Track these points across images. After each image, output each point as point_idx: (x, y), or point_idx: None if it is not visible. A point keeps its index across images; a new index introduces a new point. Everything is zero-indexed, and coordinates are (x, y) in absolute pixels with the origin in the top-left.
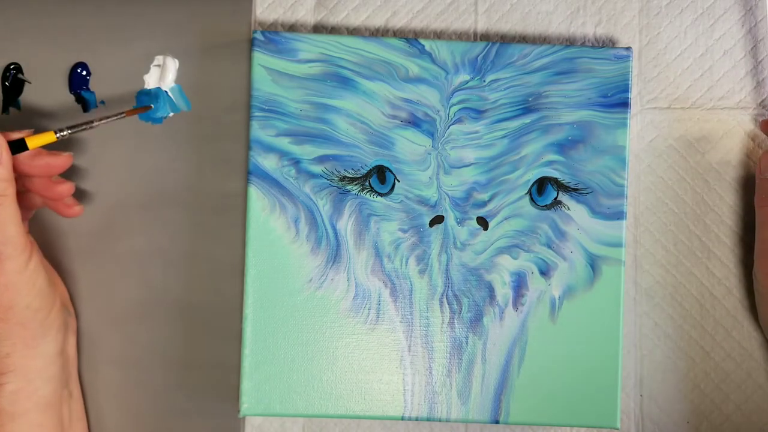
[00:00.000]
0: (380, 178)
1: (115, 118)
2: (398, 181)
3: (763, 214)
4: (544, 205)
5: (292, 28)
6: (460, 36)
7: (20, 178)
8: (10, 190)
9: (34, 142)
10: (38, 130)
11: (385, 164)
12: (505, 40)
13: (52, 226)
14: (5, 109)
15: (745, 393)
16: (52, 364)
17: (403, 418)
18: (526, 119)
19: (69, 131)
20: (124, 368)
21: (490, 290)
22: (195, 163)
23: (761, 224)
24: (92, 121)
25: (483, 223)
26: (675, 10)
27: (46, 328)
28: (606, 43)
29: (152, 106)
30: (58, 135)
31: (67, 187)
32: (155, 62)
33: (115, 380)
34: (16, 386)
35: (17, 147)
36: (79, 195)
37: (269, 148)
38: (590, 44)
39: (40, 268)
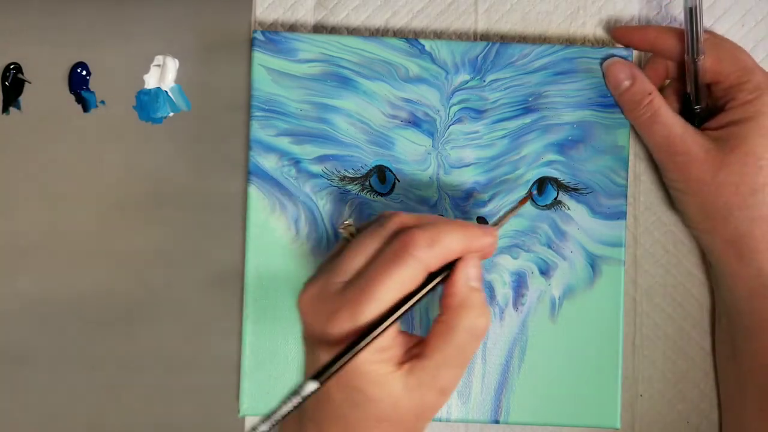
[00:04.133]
0: (380, 178)
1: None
2: (398, 181)
3: (640, 123)
4: (544, 205)
5: (292, 28)
6: (460, 36)
7: None
8: None
9: None
10: (39, 130)
11: (385, 164)
12: (505, 40)
13: (51, 226)
14: (5, 109)
15: None
16: None
17: None
18: (526, 119)
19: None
20: (124, 368)
21: (490, 290)
22: (195, 163)
23: (645, 134)
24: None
25: (483, 223)
26: (675, 10)
27: None
28: (606, 43)
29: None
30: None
31: None
32: (155, 62)
33: (115, 380)
34: None
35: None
36: (80, 194)
37: (269, 148)
38: (590, 44)
39: None
